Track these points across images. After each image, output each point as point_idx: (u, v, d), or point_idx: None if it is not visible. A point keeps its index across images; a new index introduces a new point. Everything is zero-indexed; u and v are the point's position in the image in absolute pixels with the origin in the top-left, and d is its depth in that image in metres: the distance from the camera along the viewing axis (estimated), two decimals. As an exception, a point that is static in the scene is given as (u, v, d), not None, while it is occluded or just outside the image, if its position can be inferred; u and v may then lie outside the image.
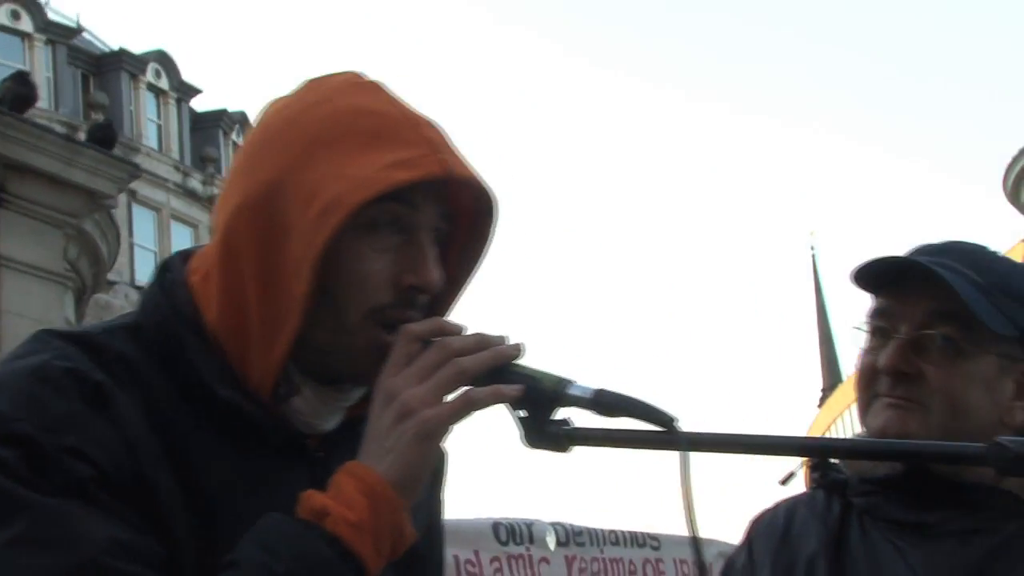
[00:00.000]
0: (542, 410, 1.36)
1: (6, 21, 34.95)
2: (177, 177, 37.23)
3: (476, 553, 5.25)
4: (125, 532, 1.31)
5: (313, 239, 1.38)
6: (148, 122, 37.57)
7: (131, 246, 35.27)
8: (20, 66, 34.80)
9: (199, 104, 40.21)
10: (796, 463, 1.97)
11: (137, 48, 37.99)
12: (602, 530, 5.97)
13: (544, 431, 1.36)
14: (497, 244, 1.55)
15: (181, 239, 36.75)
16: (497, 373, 1.37)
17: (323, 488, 1.35)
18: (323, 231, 1.38)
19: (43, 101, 34.56)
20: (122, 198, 35.08)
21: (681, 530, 1.99)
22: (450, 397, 1.37)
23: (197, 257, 1.54)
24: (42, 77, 35.18)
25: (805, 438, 1.44)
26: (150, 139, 37.32)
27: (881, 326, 1.86)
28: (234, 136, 41.00)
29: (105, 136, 7.26)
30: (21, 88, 7.05)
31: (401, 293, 1.44)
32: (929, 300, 1.81)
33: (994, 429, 1.74)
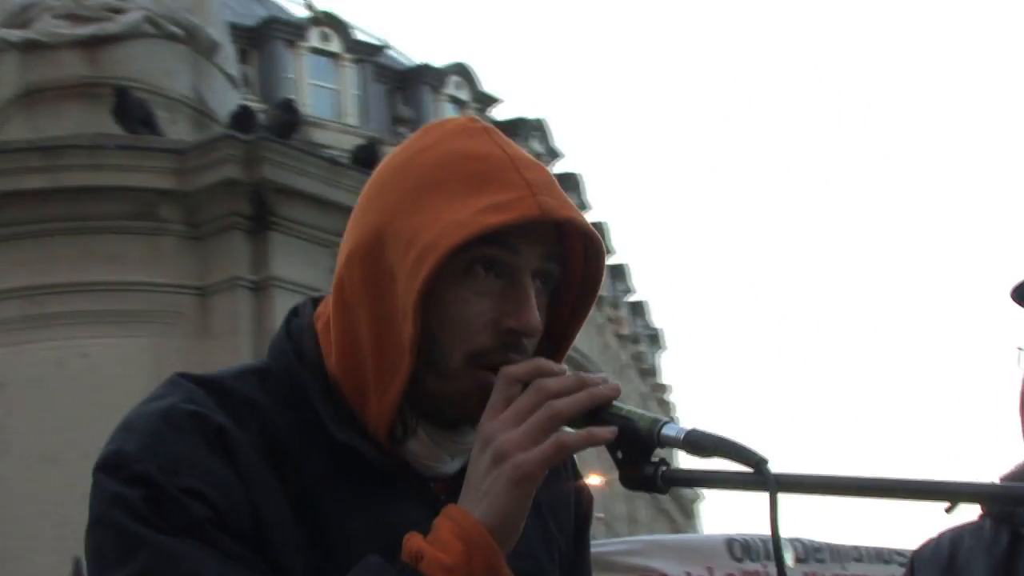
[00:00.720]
0: (638, 451, 1.37)
1: (317, 43, 36.63)
2: (480, 186, 38.12)
3: (710, 570, 5.13)
4: (237, 572, 1.35)
5: (411, 284, 1.39)
6: (451, 133, 38.60)
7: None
8: (331, 86, 36.50)
9: (498, 113, 41.07)
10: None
11: (438, 62, 39.13)
12: (844, 546, 5.70)
13: (641, 473, 1.37)
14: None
15: (485, 246, 37.65)
16: (593, 414, 1.37)
17: None
18: (419, 276, 1.39)
19: (352, 117, 36.09)
20: (427, 208, 36.21)
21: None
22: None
23: (324, 302, 1.56)
24: (351, 95, 36.75)
25: (896, 479, 1.36)
26: (453, 149, 38.32)
27: None
28: (533, 143, 41.68)
29: (367, 157, 7.45)
30: (287, 115, 7.32)
31: (501, 336, 1.43)
32: None
33: None
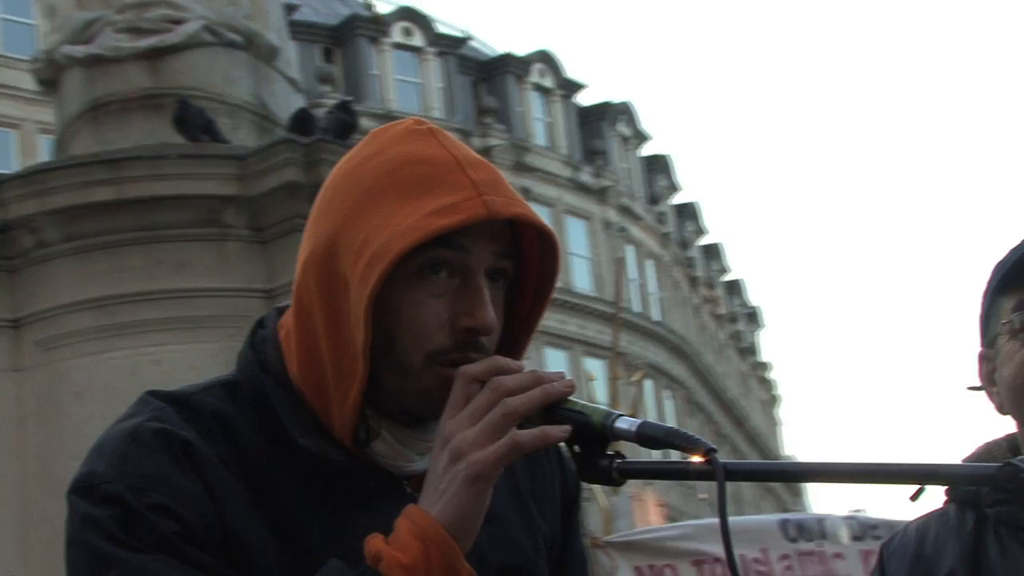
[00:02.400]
0: (594, 445, 1.40)
1: (400, 39, 36.83)
2: (567, 172, 38.05)
3: (764, 551, 5.08)
4: None
5: (361, 291, 1.42)
6: (536, 121, 38.59)
7: (528, 243, 36.38)
8: (416, 80, 36.65)
9: (584, 99, 40.95)
10: None
11: (521, 50, 39.10)
12: (902, 522, 5.59)
13: (596, 466, 1.40)
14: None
15: (576, 232, 37.58)
16: (549, 410, 1.40)
17: None
18: (368, 282, 1.42)
19: (437, 111, 36.22)
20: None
21: None
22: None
23: (287, 312, 1.59)
24: (435, 88, 36.89)
25: (836, 463, 1.39)
26: (539, 137, 38.32)
27: None
28: (620, 127, 41.48)
29: (345, 118, 7.45)
30: (344, 116, 7.34)
31: (458, 336, 1.47)
32: None
33: None
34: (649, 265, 40.75)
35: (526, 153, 37.05)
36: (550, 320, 34.75)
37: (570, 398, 1.42)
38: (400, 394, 1.49)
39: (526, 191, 36.43)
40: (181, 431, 1.46)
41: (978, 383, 1.90)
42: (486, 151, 35.81)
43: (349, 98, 8.93)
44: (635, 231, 39.91)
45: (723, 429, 43.87)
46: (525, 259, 1.55)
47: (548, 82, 39.19)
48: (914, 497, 1.89)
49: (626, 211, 39.45)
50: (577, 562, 1.75)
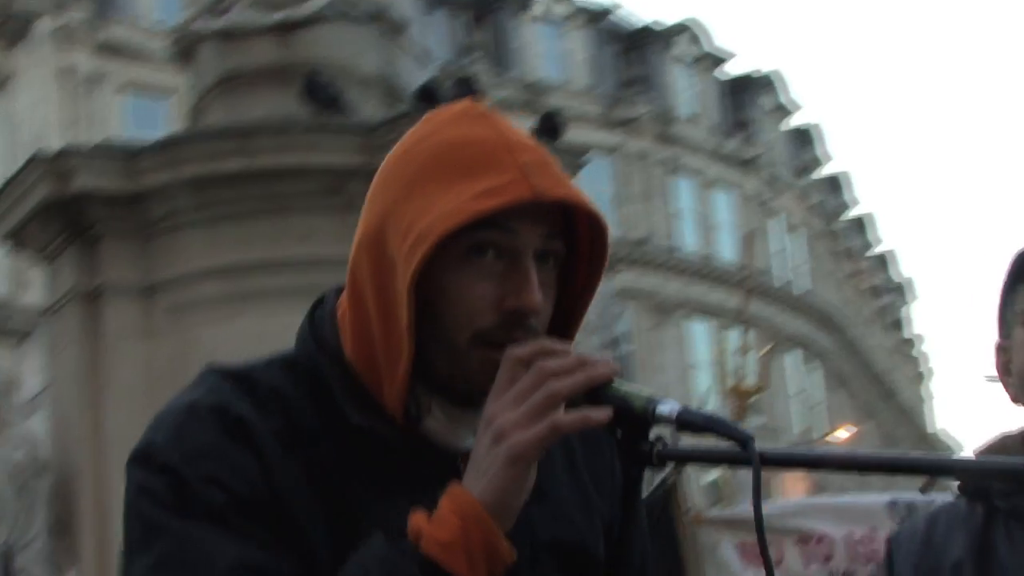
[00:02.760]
0: (635, 429, 1.42)
1: (545, 9, 36.76)
2: (713, 143, 37.66)
3: (872, 530, 4.98)
4: (253, 553, 1.43)
5: (406, 271, 1.45)
6: (682, 92, 38.22)
7: (672, 214, 36.16)
8: (561, 51, 36.58)
9: (731, 69, 40.44)
10: None
11: (667, 20, 38.76)
12: None
13: (638, 451, 1.42)
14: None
15: (721, 204, 37.21)
16: (592, 394, 1.41)
17: None
18: (412, 263, 1.44)
19: (582, 81, 36.13)
20: (659, 168, 36.05)
21: None
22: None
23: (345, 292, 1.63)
24: (580, 58, 36.79)
25: (867, 454, 1.42)
26: (685, 107, 37.97)
27: None
28: (768, 97, 40.88)
29: (553, 127, 7.45)
30: (464, 90, 7.33)
31: (504, 316, 1.48)
32: None
33: None
34: (795, 237, 40.15)
35: (671, 124, 36.76)
36: (693, 291, 34.54)
37: (614, 383, 1.43)
38: (448, 375, 1.51)
39: (672, 161, 36.19)
40: (236, 406, 1.50)
41: (994, 374, 1.88)
42: (631, 122, 35.67)
43: (469, 74, 8.95)
44: (781, 202, 39.35)
45: (870, 402, 43.12)
46: (578, 240, 1.56)
47: (695, 52, 38.78)
48: (924, 488, 1.91)
49: (772, 182, 38.91)
50: (639, 542, 1.77)
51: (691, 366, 34.03)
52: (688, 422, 1.39)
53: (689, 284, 34.98)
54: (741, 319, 13.00)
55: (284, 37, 7.76)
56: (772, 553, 4.84)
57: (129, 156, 7.20)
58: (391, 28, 8.09)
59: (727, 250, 36.52)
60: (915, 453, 1.43)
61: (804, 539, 4.73)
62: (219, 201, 7.08)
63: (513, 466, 1.38)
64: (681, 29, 38.50)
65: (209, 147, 7.17)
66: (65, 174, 7.11)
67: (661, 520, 4.32)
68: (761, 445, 1.37)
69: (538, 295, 1.49)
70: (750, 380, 12.65)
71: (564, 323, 1.59)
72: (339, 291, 1.63)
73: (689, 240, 36.23)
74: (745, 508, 5.79)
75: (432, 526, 1.38)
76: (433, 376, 1.52)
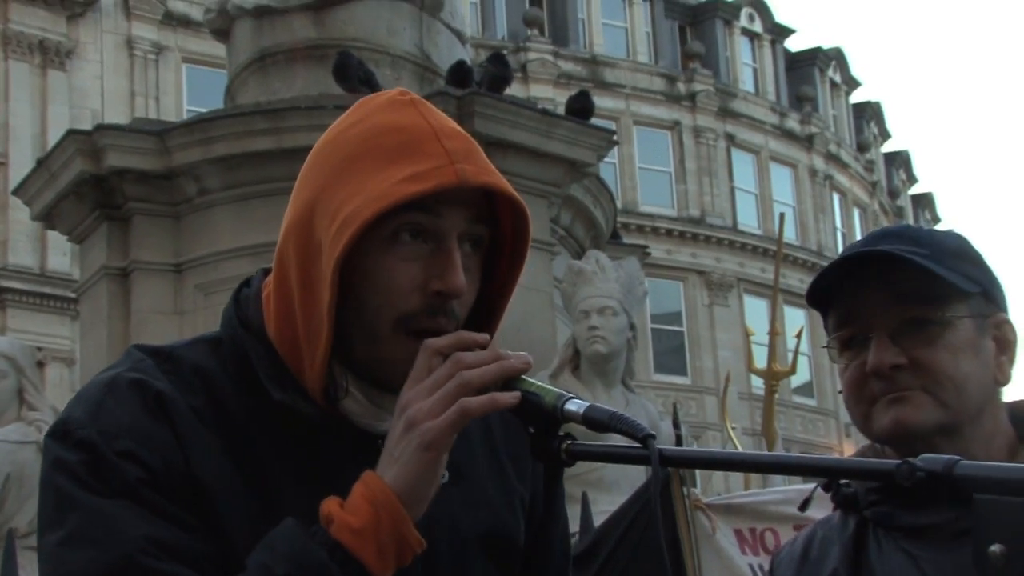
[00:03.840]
0: (547, 426, 1.43)
1: (606, -17, 36.52)
2: (774, 119, 37.28)
3: None
4: (163, 529, 1.43)
5: (331, 254, 1.46)
6: (744, 66, 37.87)
7: (732, 190, 35.88)
8: (622, 24, 36.38)
9: (793, 44, 40.00)
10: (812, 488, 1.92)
11: (730, -6, 38.37)
12: None
13: (547, 447, 1.43)
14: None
15: (781, 179, 36.86)
16: (505, 387, 1.43)
17: None
18: (339, 245, 1.45)
19: (643, 55, 35.91)
20: (720, 143, 35.80)
21: None
22: None
23: (271, 273, 1.63)
24: (641, 32, 36.54)
25: (757, 455, 1.57)
26: (746, 83, 37.62)
27: (851, 335, 1.82)
28: (830, 73, 40.41)
29: (583, 107, 7.39)
30: (498, 69, 7.32)
31: (428, 299, 1.50)
32: (888, 288, 1.78)
33: (993, 391, 1.82)
34: (856, 214, 39.72)
35: (732, 99, 36.42)
36: (752, 269, 34.31)
37: (527, 379, 1.44)
38: (369, 362, 1.52)
39: (731, 137, 35.90)
40: (156, 382, 1.51)
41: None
42: (691, 96, 35.40)
43: (503, 51, 8.88)
44: (842, 179, 38.93)
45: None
46: (502, 229, 1.57)
47: (757, 27, 38.38)
48: (802, 507, 1.95)
49: (833, 159, 38.49)
50: (560, 525, 1.79)
51: (748, 344, 33.81)
52: (594, 419, 1.39)
53: (747, 261, 34.74)
54: (773, 298, 12.81)
55: (319, 15, 7.76)
56: (770, 540, 4.80)
57: (160, 134, 7.21)
58: (427, 6, 8.04)
59: (786, 228, 36.18)
60: (808, 456, 1.43)
61: (800, 526, 4.64)
62: (249, 180, 7.10)
63: (425, 452, 1.40)
64: (744, 3, 38.09)
65: (239, 126, 7.18)
66: (98, 152, 7.15)
67: (661, 503, 4.28)
68: (661, 445, 1.39)
69: (461, 277, 1.50)
70: (782, 363, 12.48)
71: (488, 312, 1.60)
72: (266, 272, 1.63)
73: (748, 217, 35.94)
74: (743, 495, 5.73)
75: (344, 512, 1.39)
76: (353, 360, 1.52)
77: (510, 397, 1.41)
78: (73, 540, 1.43)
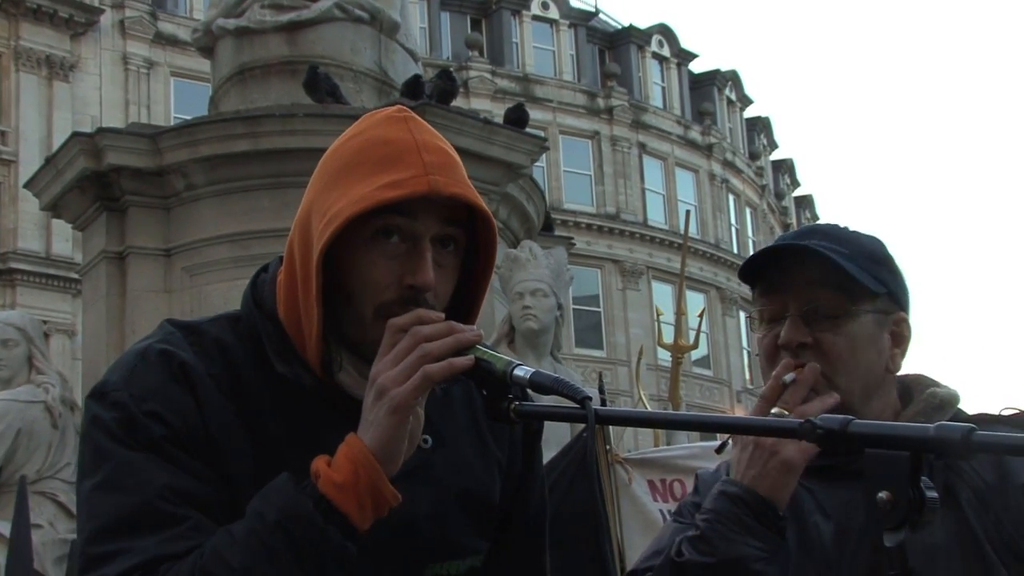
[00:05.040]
0: (497, 390, 1.41)
1: (538, 11, 36.46)
2: (679, 130, 37.42)
3: None
4: (182, 480, 1.45)
5: (317, 247, 1.47)
6: (654, 85, 37.94)
7: (643, 191, 35.98)
8: (550, 48, 36.30)
9: (696, 66, 40.15)
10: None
11: (643, 23, 38.45)
12: None
13: (497, 408, 1.42)
14: None
15: (684, 182, 37.02)
16: (458, 355, 1.42)
17: None
18: (323, 238, 1.46)
19: (568, 75, 35.87)
20: (633, 150, 35.85)
21: None
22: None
23: None
24: (567, 55, 36.51)
25: (693, 416, 1.50)
26: (656, 99, 37.70)
27: (770, 308, 1.83)
28: (727, 92, 40.62)
29: (519, 117, 7.37)
30: (446, 83, 7.28)
31: (402, 292, 1.50)
32: (807, 275, 1.79)
33: (883, 377, 1.82)
34: (748, 213, 40.01)
35: (643, 113, 36.52)
36: (660, 258, 34.47)
37: (480, 348, 1.43)
38: (356, 341, 1.52)
39: (643, 146, 35.99)
40: (182, 353, 1.52)
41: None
42: (609, 110, 35.43)
43: (450, 67, 8.82)
44: (736, 183, 39.18)
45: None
46: (477, 234, 1.57)
47: (665, 51, 38.47)
48: (719, 450, 1.97)
49: (729, 165, 38.71)
50: (537, 482, 1.77)
51: (656, 323, 33.99)
52: (539, 384, 1.38)
53: (655, 252, 34.90)
54: (679, 283, 12.89)
55: (292, 35, 7.67)
56: (678, 489, 4.83)
57: (153, 137, 7.10)
58: (385, 28, 7.97)
59: (690, 223, 36.34)
60: (729, 415, 1.45)
61: None
62: (229, 177, 7.02)
63: (394, 415, 1.39)
64: (655, 31, 38.19)
65: (221, 130, 7.07)
66: (99, 151, 7.03)
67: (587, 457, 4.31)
68: (598, 407, 1.38)
69: (431, 273, 1.49)
70: (686, 339, 12.54)
71: (467, 305, 1.60)
72: (281, 260, 1.63)
73: (656, 214, 36.09)
74: (656, 451, 5.74)
75: (330, 469, 1.39)
76: (345, 338, 1.54)
77: (465, 360, 1.40)
78: (105, 486, 1.46)
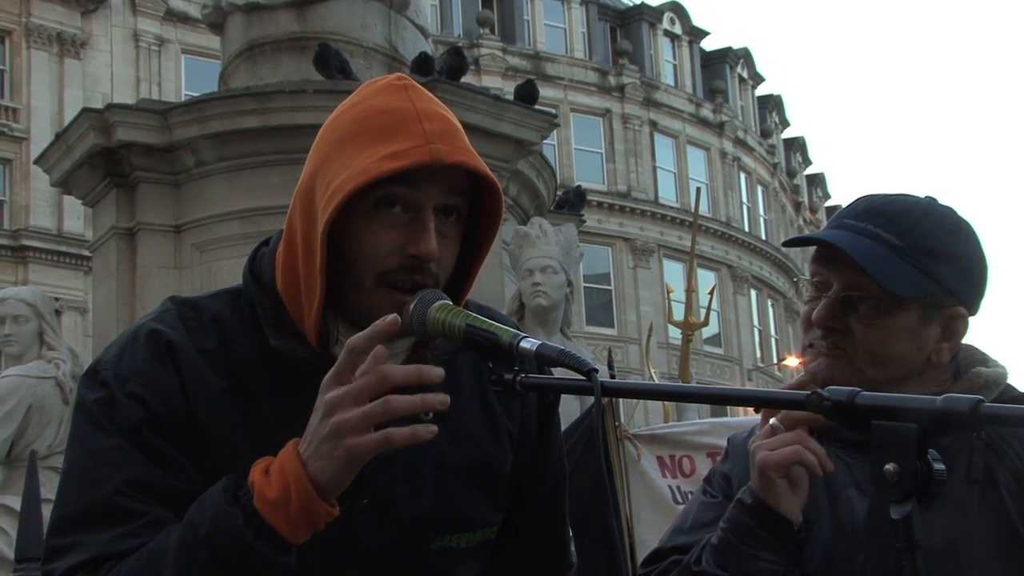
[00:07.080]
0: (503, 361, 1.39)
1: (550, -11, 36.31)
2: (691, 108, 37.30)
3: None
4: (149, 472, 1.44)
5: (322, 219, 1.45)
6: (665, 63, 37.82)
7: (654, 169, 35.89)
8: (561, 25, 36.16)
9: (708, 44, 39.97)
10: None
11: (654, 1, 38.25)
12: None
13: (502, 379, 1.40)
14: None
15: (696, 160, 36.92)
16: (467, 331, 1.40)
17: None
18: (327, 212, 1.44)
19: (579, 52, 35.75)
20: (644, 128, 35.74)
21: None
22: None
23: None
24: (578, 32, 36.37)
25: (702, 388, 1.50)
26: (667, 77, 37.57)
27: (820, 281, 1.80)
28: (739, 69, 40.43)
29: (529, 94, 7.33)
30: (456, 60, 7.23)
31: (405, 260, 1.48)
32: (854, 263, 1.73)
33: (924, 368, 1.76)
34: (759, 191, 39.89)
35: (655, 91, 36.40)
36: (671, 236, 34.40)
37: (486, 320, 1.41)
38: (355, 308, 1.50)
39: (654, 124, 35.88)
40: (170, 331, 1.51)
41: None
42: (620, 88, 35.31)
43: (461, 44, 8.78)
44: (748, 161, 39.06)
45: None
46: (481, 201, 1.54)
47: (677, 29, 38.32)
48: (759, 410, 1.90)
49: (741, 143, 38.59)
50: (554, 451, 1.75)
51: (667, 301, 33.97)
52: (545, 356, 1.36)
53: (666, 230, 34.82)
54: (689, 261, 12.84)
55: (301, 11, 7.62)
56: (687, 465, 4.82)
57: (163, 113, 7.08)
58: (395, 4, 7.92)
59: (701, 202, 36.28)
60: (735, 387, 1.43)
61: (713, 454, 4.67)
62: (239, 154, 6.99)
63: (347, 464, 1.34)
64: (666, 8, 38.01)
65: (231, 106, 7.04)
66: (109, 128, 7.01)
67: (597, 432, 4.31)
68: (604, 379, 1.36)
69: (434, 243, 1.47)
70: (696, 316, 12.49)
71: (465, 272, 1.57)
72: (282, 233, 1.61)
73: (667, 192, 36.00)
74: (665, 427, 5.73)
75: (265, 480, 1.36)
76: (345, 309, 1.51)
77: (427, 431, 1.33)
78: (71, 475, 1.47)
